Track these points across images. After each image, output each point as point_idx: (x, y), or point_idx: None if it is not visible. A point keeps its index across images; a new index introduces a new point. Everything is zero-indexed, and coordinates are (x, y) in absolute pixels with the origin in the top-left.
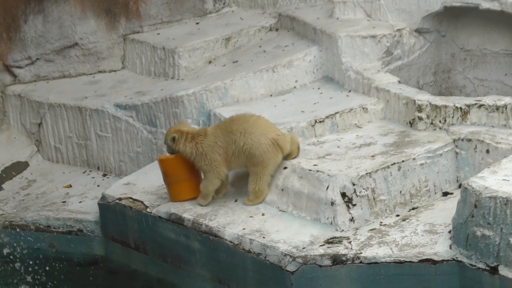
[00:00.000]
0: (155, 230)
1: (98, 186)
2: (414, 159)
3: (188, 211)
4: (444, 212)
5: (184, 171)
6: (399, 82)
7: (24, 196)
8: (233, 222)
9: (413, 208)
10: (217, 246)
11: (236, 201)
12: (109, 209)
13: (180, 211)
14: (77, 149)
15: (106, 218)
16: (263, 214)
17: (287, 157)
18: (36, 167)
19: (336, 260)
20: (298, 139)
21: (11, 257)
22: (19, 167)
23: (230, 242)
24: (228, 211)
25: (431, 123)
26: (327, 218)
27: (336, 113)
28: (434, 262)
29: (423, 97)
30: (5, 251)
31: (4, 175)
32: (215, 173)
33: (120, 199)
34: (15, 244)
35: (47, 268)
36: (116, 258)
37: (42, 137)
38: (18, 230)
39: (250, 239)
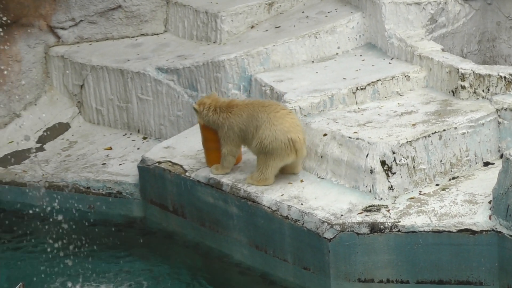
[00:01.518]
0: (193, 194)
1: (138, 149)
2: (455, 128)
3: (227, 176)
4: (485, 182)
5: None
6: (443, 50)
7: (65, 157)
8: (271, 188)
9: (453, 178)
10: (255, 212)
11: None
12: (148, 172)
13: (219, 176)
14: (118, 111)
15: (145, 181)
16: (301, 181)
17: (289, 168)
18: (77, 128)
19: (374, 228)
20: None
21: (52, 218)
22: (60, 128)
23: (268, 208)
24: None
25: (474, 92)
26: (366, 186)
27: (377, 80)
28: (473, 232)
29: (467, 66)
30: (46, 210)
31: (46, 135)
32: (228, 150)
33: (159, 162)
34: (55, 204)
35: (86, 230)
36: (154, 220)
37: (83, 98)
38: (58, 190)
39: (288, 206)
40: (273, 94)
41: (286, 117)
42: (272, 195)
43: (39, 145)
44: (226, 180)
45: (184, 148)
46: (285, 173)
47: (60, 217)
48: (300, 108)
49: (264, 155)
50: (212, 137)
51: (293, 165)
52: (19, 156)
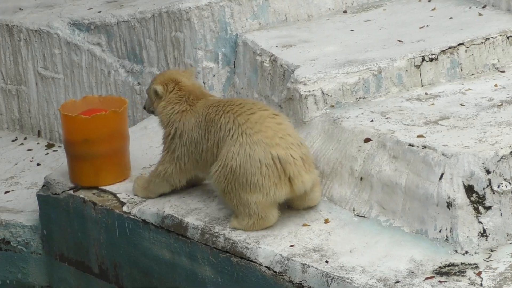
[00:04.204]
0: (136, 244)
1: (38, 165)
2: None
3: (195, 212)
4: None
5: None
6: None
7: None
8: (273, 233)
9: None
10: (244, 276)
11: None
12: (56, 206)
13: (181, 212)
14: (3, 99)
15: (51, 222)
16: (326, 221)
17: (295, 201)
18: None
19: None
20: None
21: None
22: None
23: (267, 268)
24: None
25: None
26: (440, 231)
27: (459, 45)
28: None
29: None
30: None
31: None
32: (167, 174)
33: (75, 188)
34: None
35: None
36: None
37: None
38: None
39: (303, 265)
40: (275, 68)
41: (267, 122)
42: (273, 246)
43: None
44: (194, 219)
45: None
46: (295, 207)
47: None
48: (323, 93)
49: (234, 190)
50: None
51: (298, 199)
52: None
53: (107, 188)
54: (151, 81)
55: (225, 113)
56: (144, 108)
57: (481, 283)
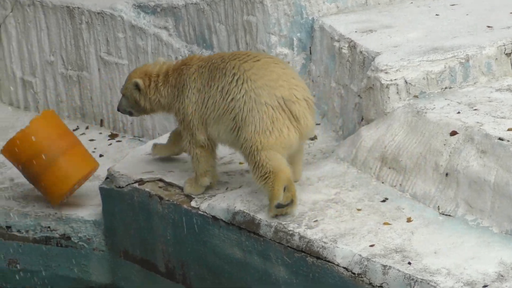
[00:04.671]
0: (204, 242)
1: (100, 156)
2: None
3: (268, 208)
4: None
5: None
6: None
7: None
8: (352, 232)
9: None
10: (320, 276)
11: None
12: (120, 200)
13: (253, 208)
14: (64, 86)
15: (115, 217)
16: (409, 220)
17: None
18: None
19: None
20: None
21: None
22: None
23: (345, 269)
24: (343, 211)
25: None
26: None
27: None
28: None
29: None
30: None
31: None
32: (190, 136)
33: (141, 181)
34: None
35: None
36: None
37: None
38: None
39: (384, 266)
40: (354, 55)
41: (271, 67)
42: (352, 246)
43: None
44: (267, 216)
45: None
46: None
47: None
48: (406, 82)
49: (244, 136)
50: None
51: (291, 159)
52: None
53: (175, 181)
54: (125, 82)
55: (231, 60)
56: (119, 109)
57: None
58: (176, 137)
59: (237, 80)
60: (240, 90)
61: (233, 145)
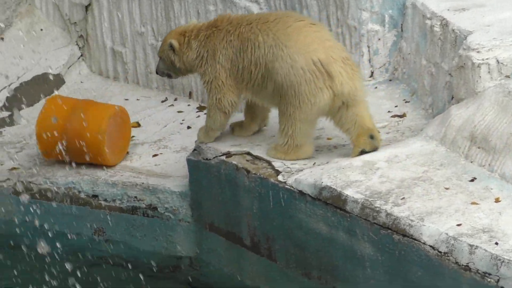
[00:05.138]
0: (291, 216)
1: (188, 128)
2: None
3: (355, 184)
4: None
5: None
6: None
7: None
8: (439, 211)
9: None
10: (406, 254)
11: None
12: (207, 172)
13: (340, 184)
14: (154, 57)
15: (201, 189)
16: (497, 200)
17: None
18: (78, 85)
19: None
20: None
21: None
22: (47, 83)
23: (431, 247)
24: (430, 190)
25: None
26: None
27: None
28: None
29: None
30: (16, 237)
31: (20, 96)
32: (215, 100)
33: (228, 154)
34: (34, 226)
35: (90, 277)
36: (216, 262)
37: (90, 30)
38: (40, 199)
39: (471, 246)
40: (446, 33)
41: (304, 31)
42: (439, 225)
43: (6, 113)
44: (353, 192)
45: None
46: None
47: (43, 249)
48: (498, 62)
49: (284, 105)
50: None
51: (341, 111)
52: None
53: (262, 155)
54: (161, 44)
55: (262, 31)
56: (157, 72)
57: None
58: (251, 114)
59: (273, 52)
60: (277, 59)
61: (264, 100)
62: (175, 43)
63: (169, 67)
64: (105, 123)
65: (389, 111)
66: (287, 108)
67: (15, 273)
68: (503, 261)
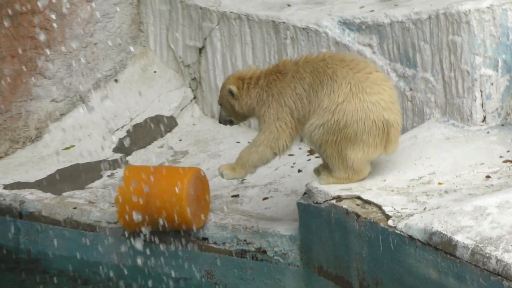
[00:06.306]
0: (400, 261)
1: (299, 171)
2: None
3: (466, 229)
4: None
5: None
6: None
7: None
8: None
9: None
10: None
11: None
12: (317, 216)
13: (450, 229)
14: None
15: (311, 233)
16: None
17: None
18: (190, 127)
19: None
20: None
21: None
22: (160, 125)
23: None
24: None
25: None
26: None
27: None
28: None
29: None
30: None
31: (133, 138)
32: (271, 139)
33: (339, 198)
34: (148, 265)
35: None
36: None
37: (203, 73)
38: (151, 242)
39: None
40: None
41: (383, 85)
42: None
43: (119, 155)
44: (464, 237)
45: (390, 174)
46: None
47: None
48: None
49: (337, 143)
50: None
51: None
52: (83, 174)
53: (372, 199)
54: (220, 92)
55: (341, 68)
56: (220, 121)
57: None
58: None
59: (351, 89)
60: (354, 98)
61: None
62: (234, 88)
63: (230, 113)
64: (185, 191)
65: (501, 156)
66: (341, 147)
67: None
68: None
